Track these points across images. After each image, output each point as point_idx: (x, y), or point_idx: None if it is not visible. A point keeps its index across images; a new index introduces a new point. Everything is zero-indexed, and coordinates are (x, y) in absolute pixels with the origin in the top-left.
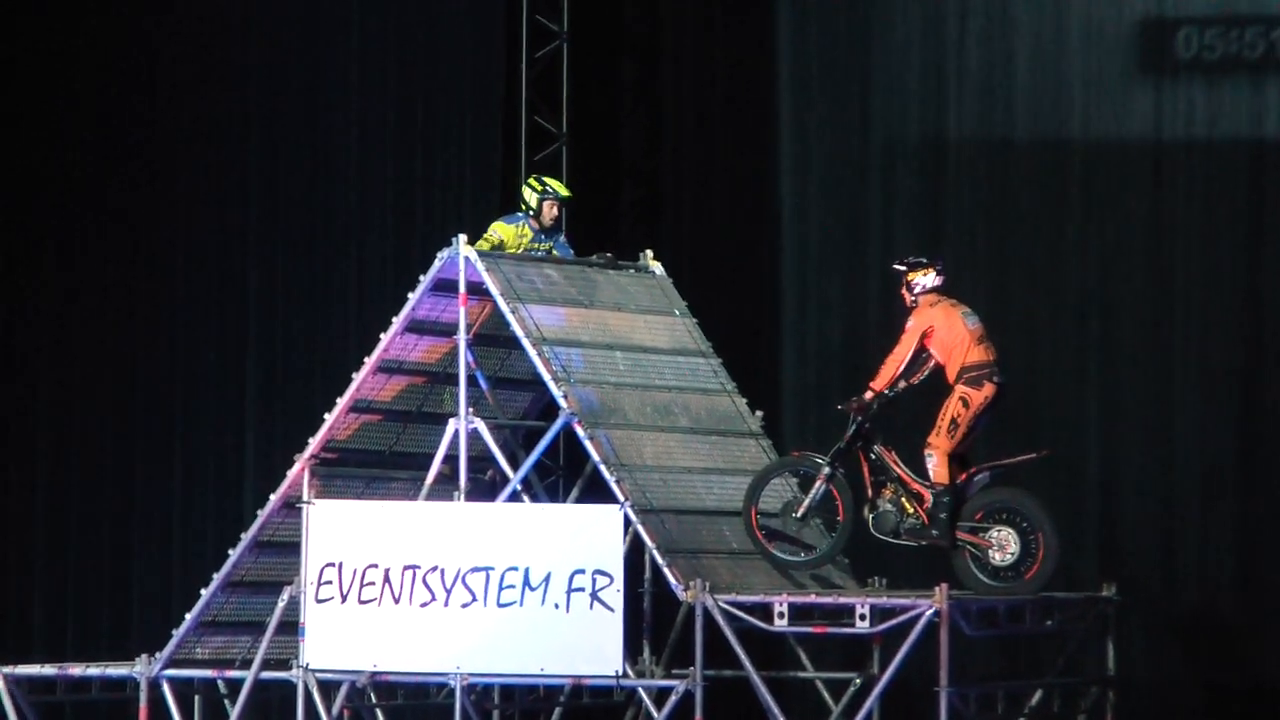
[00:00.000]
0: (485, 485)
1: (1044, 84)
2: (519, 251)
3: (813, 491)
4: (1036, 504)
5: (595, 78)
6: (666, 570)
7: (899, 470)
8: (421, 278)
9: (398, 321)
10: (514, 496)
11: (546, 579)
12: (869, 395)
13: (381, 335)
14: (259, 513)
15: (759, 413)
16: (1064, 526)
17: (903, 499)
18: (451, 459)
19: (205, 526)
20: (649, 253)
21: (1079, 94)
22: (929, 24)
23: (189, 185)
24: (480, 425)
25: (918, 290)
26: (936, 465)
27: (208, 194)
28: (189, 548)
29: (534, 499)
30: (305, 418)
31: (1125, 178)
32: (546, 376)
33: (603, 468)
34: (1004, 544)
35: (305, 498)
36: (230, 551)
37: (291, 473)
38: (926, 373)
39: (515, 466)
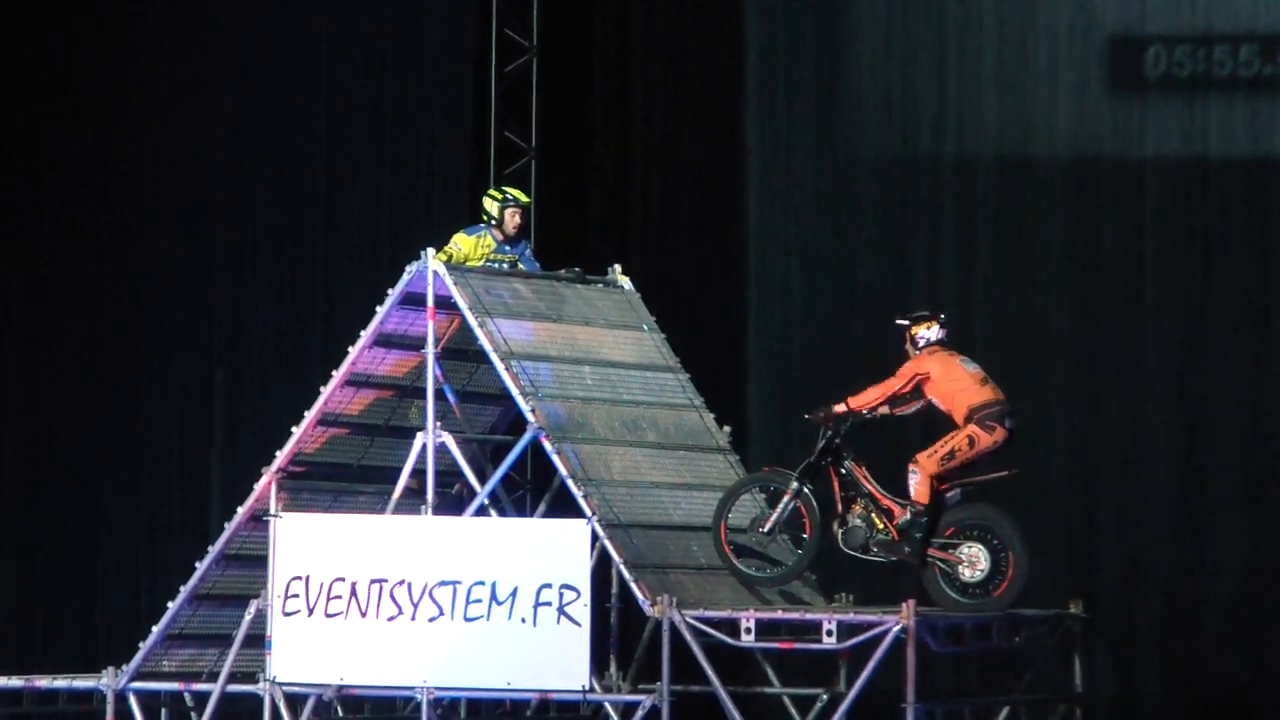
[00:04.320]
0: (453, 499)
1: (1012, 102)
2: (481, 262)
3: (780, 507)
4: (1008, 521)
5: (565, 92)
6: (634, 585)
7: (870, 486)
8: (390, 291)
9: (366, 335)
10: (481, 510)
11: (514, 593)
12: (841, 409)
13: (350, 348)
14: (226, 525)
15: (726, 428)
16: (1031, 542)
17: (873, 514)
18: (419, 473)
19: (172, 539)
20: (617, 267)
21: (1047, 111)
22: (897, 41)
23: (156, 195)
24: (448, 439)
25: (921, 344)
26: (919, 484)
27: (175, 204)
28: (156, 560)
29: (501, 513)
30: (272, 431)
31: (1094, 195)
32: (514, 391)
33: (570, 482)
34: (974, 560)
35: (272, 511)
36: (197, 564)
37: (259, 486)
38: (913, 410)
39: (483, 481)
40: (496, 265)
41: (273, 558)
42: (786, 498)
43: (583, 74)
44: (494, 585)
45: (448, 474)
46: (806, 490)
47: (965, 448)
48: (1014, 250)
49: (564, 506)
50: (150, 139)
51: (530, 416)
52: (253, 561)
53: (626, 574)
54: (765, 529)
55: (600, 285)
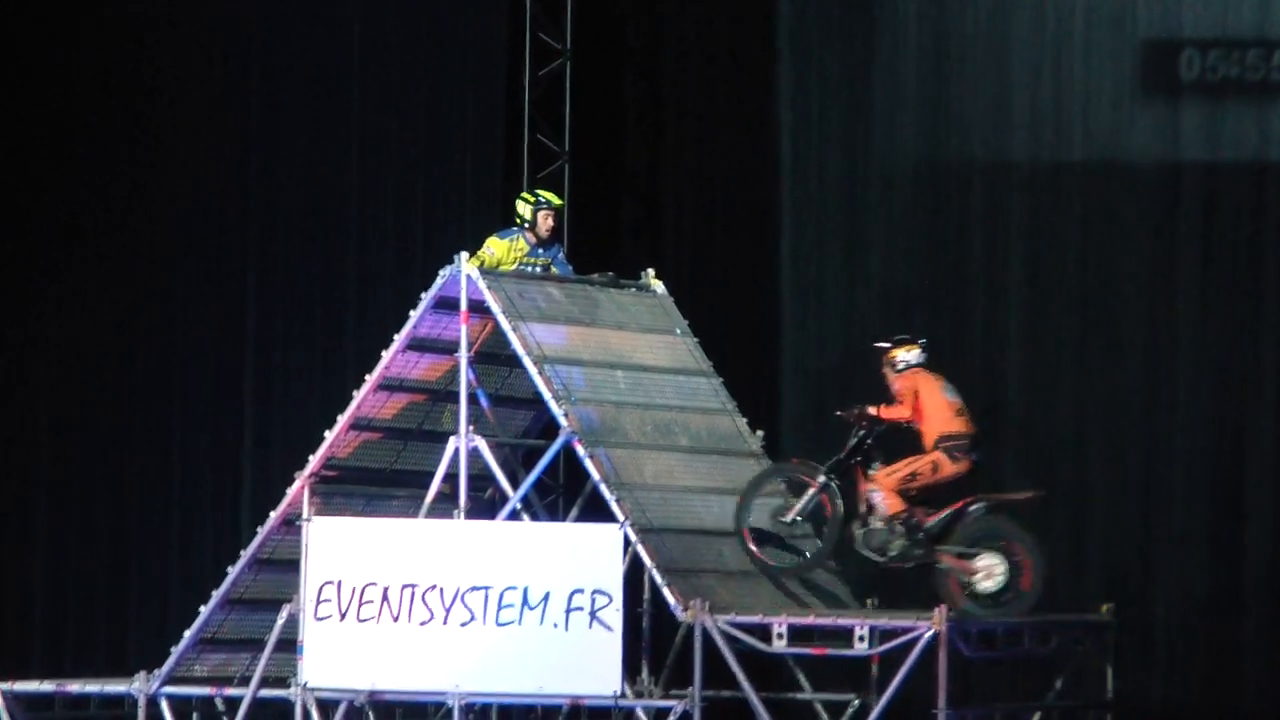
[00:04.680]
0: (485, 503)
1: (1045, 106)
2: (514, 266)
3: (805, 498)
4: (1020, 528)
5: (598, 96)
6: (666, 590)
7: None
8: (423, 295)
9: (399, 339)
10: (514, 515)
11: (545, 598)
12: (874, 412)
13: (382, 353)
14: (258, 529)
15: (759, 432)
16: (1062, 549)
17: (916, 520)
18: (452, 477)
19: (204, 543)
20: (650, 271)
21: (1080, 115)
22: (929, 45)
23: (187, 201)
24: (481, 443)
25: (901, 366)
26: (884, 499)
27: (206, 209)
28: (188, 564)
29: (534, 517)
30: (305, 435)
31: (1127, 200)
32: (547, 395)
33: (603, 487)
34: (991, 571)
35: (305, 515)
36: (229, 568)
37: (291, 490)
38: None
39: (515, 485)
40: (530, 269)
41: (305, 562)
42: (812, 489)
43: (615, 77)
44: (526, 590)
45: (480, 478)
46: (834, 484)
47: (928, 472)
48: (1046, 255)
49: (596, 511)
50: (182, 144)
51: (563, 421)
52: (284, 566)
53: (659, 579)
54: (788, 519)
55: (633, 289)
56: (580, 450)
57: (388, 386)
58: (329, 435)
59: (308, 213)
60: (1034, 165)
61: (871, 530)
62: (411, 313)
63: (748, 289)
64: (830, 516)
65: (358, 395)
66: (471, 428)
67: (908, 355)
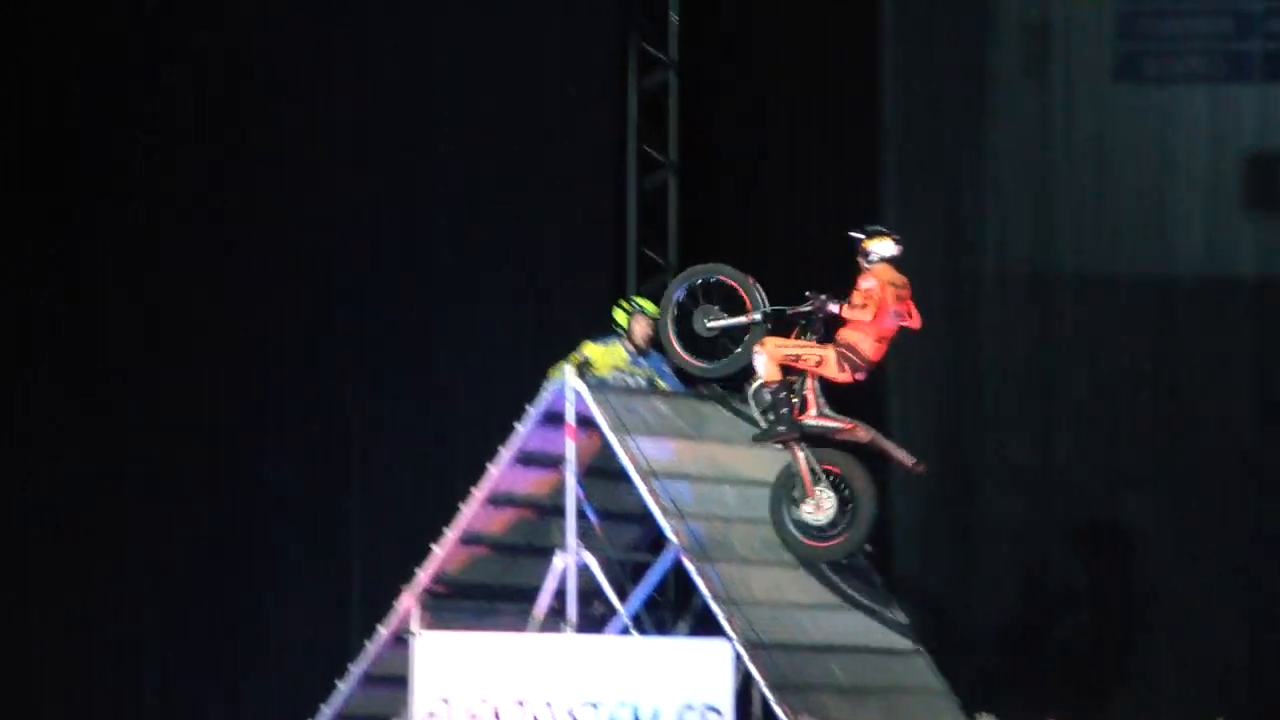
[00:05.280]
0: (594, 619)
1: (1146, 217)
2: (611, 373)
3: (735, 319)
4: (873, 491)
5: (703, 107)
6: (776, 706)
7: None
8: (529, 409)
9: (506, 454)
10: (623, 630)
11: (656, 714)
12: (834, 309)
13: (490, 467)
14: (368, 644)
15: (867, 546)
16: (1174, 657)
17: (789, 393)
18: (561, 592)
19: (314, 658)
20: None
21: (1182, 227)
22: (1032, 150)
23: (288, 313)
24: (589, 558)
25: (874, 258)
26: (766, 365)
27: (311, 320)
28: (297, 680)
29: (643, 633)
30: (413, 550)
31: (1230, 312)
32: (655, 510)
33: (712, 602)
34: (820, 505)
35: (414, 630)
36: (339, 684)
37: (401, 605)
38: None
39: (624, 600)
40: (633, 380)
41: (413, 677)
42: (745, 317)
43: (720, 88)
44: (636, 708)
45: (589, 593)
46: (766, 325)
47: (812, 364)
48: (1147, 364)
49: (706, 626)
50: (273, 252)
51: (672, 536)
52: (393, 682)
53: (769, 695)
54: (709, 323)
55: (739, 400)
56: (689, 565)
57: (496, 501)
58: (438, 550)
59: (410, 323)
60: (1135, 276)
61: (760, 390)
62: (518, 427)
63: None
64: (743, 342)
65: (466, 510)
66: (580, 543)
67: (879, 246)
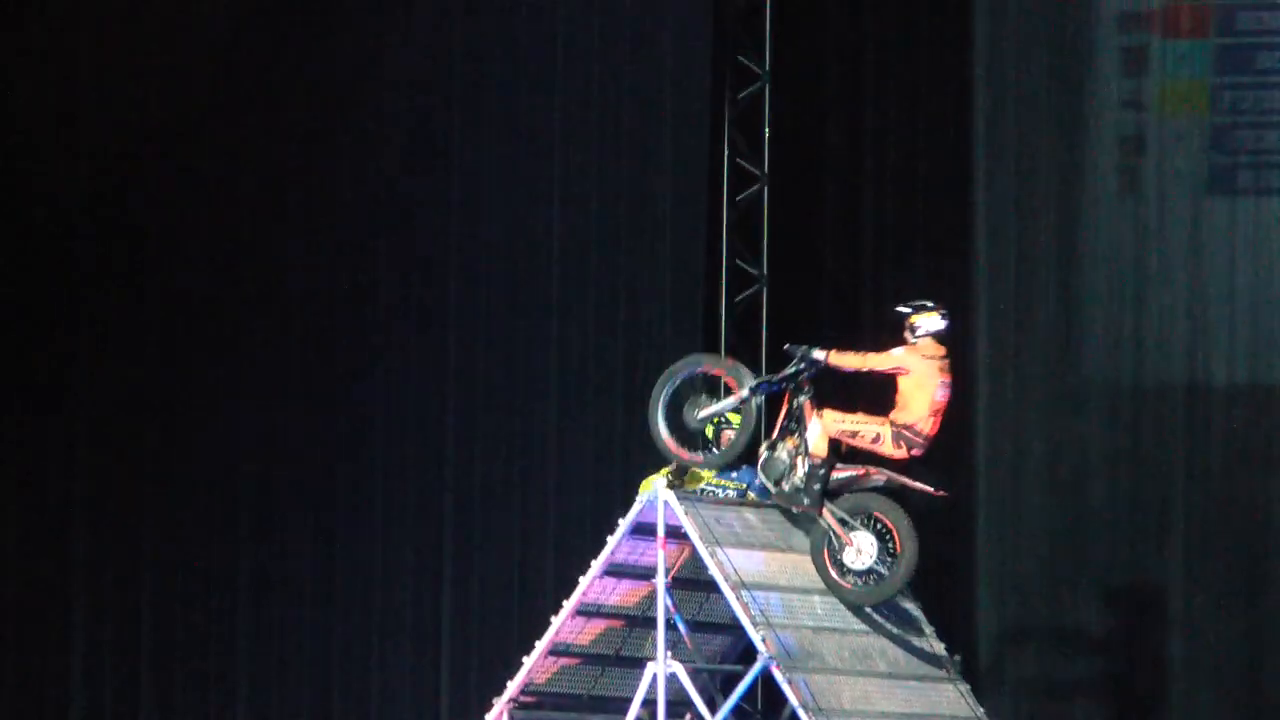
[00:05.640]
0: None
1: (1256, 327)
2: (701, 486)
3: (724, 402)
4: (910, 524)
5: (797, 123)
6: None
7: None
8: (620, 521)
9: (597, 564)
10: None
11: None
12: (819, 356)
13: (580, 578)
14: None
15: (957, 657)
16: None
17: (798, 458)
18: (650, 703)
19: None
20: None
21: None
22: (1129, 259)
23: (395, 414)
24: (679, 669)
25: (920, 333)
26: (819, 438)
27: (406, 418)
28: None
29: None
30: (502, 660)
31: None
32: (745, 620)
33: (802, 712)
34: (861, 549)
35: None
36: None
37: (490, 716)
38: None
39: (714, 710)
40: (723, 492)
41: None
42: (734, 398)
43: (815, 103)
44: None
45: (679, 704)
46: (756, 401)
47: (868, 441)
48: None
49: None
50: (379, 342)
51: (761, 646)
52: None
53: None
54: (700, 414)
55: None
56: (778, 676)
57: (586, 612)
58: (527, 661)
59: (502, 433)
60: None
61: (774, 458)
62: (609, 538)
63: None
64: (743, 430)
65: (556, 620)
66: (670, 653)
67: (926, 321)
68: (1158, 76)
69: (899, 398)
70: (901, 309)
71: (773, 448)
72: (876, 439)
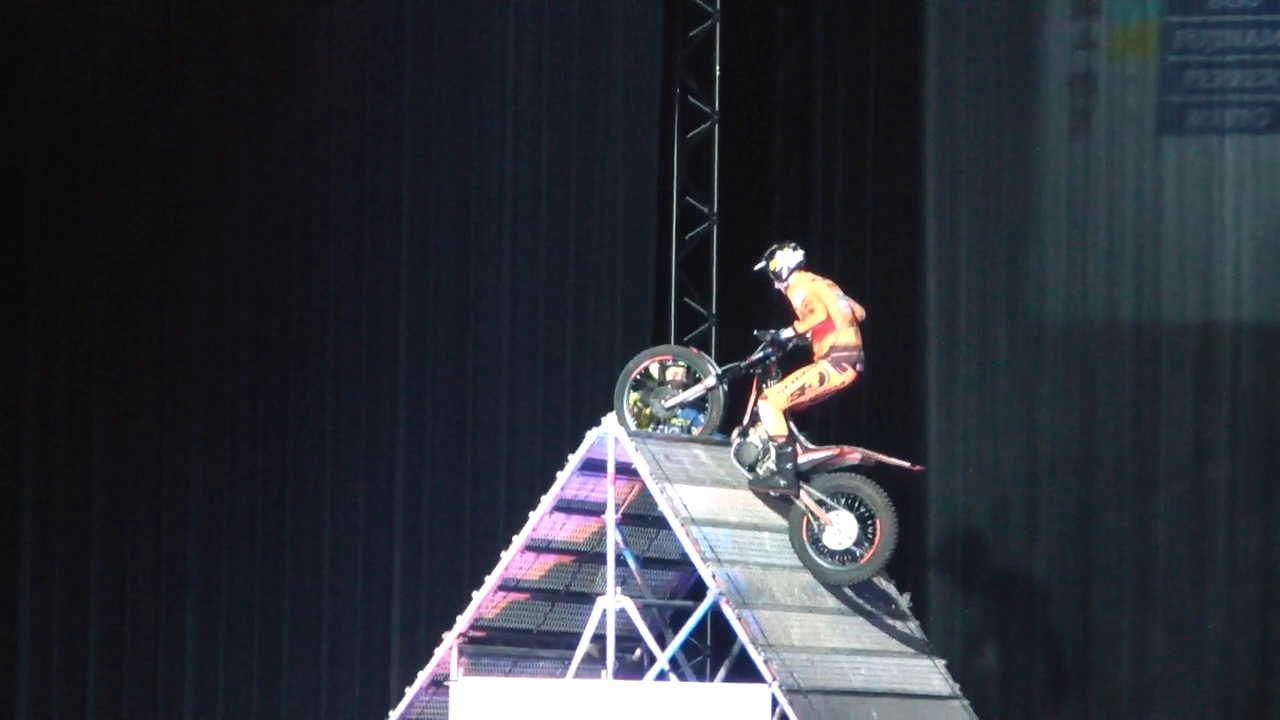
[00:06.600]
0: (632, 664)
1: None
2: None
3: (691, 391)
4: (887, 502)
5: (745, 158)
6: None
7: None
8: (570, 456)
9: (547, 500)
10: (661, 676)
11: None
12: (788, 334)
13: (530, 514)
14: (406, 691)
15: (906, 594)
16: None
17: (769, 443)
18: (599, 638)
19: (352, 704)
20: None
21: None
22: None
23: (339, 362)
24: (628, 605)
25: (786, 273)
26: (774, 418)
27: (357, 368)
28: None
29: (681, 679)
30: (451, 596)
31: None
32: (695, 557)
33: (750, 648)
34: (841, 529)
35: (453, 676)
36: None
37: (440, 651)
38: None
39: (663, 646)
40: (673, 429)
41: None
42: (700, 386)
43: (764, 141)
44: None
45: (628, 639)
46: (723, 389)
47: (815, 384)
48: (1197, 411)
49: (744, 672)
50: (326, 309)
51: (710, 582)
52: None
53: None
54: (667, 403)
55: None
56: (728, 612)
57: (535, 548)
58: (477, 596)
59: (453, 369)
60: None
61: (747, 444)
62: (559, 474)
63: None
64: (714, 416)
65: (505, 556)
66: (619, 589)
67: (784, 259)
68: (1109, 17)
69: (814, 334)
70: (757, 267)
71: (744, 434)
72: (822, 379)
